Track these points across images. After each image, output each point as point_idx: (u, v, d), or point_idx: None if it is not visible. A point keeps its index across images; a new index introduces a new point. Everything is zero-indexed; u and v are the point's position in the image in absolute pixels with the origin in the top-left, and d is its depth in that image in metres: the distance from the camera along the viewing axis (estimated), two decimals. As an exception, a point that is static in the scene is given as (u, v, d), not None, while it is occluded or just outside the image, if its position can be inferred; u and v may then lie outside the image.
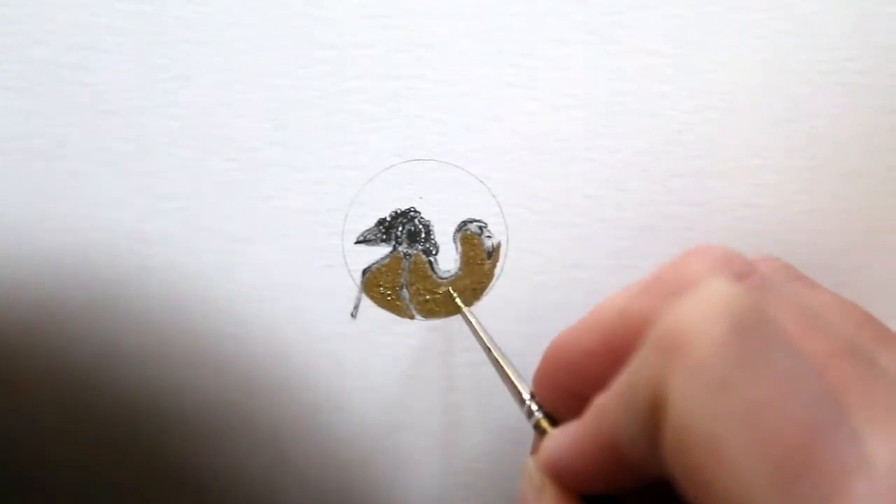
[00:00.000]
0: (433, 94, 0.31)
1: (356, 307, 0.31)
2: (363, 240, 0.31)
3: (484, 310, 0.31)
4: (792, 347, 0.18)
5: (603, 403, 0.21)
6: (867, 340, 0.22)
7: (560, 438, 0.23)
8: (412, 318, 0.31)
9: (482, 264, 0.31)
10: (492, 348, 0.29)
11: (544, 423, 0.25)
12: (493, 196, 0.31)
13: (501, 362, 0.28)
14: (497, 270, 0.31)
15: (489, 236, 0.31)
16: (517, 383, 0.27)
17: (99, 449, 0.31)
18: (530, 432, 0.31)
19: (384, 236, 0.31)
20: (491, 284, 0.31)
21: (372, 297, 0.31)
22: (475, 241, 0.31)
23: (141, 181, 0.30)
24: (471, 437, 0.32)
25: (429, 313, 0.31)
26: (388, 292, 0.31)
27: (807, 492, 0.17)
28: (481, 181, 0.31)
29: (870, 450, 0.18)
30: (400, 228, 0.31)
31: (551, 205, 0.31)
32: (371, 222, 0.31)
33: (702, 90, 0.31)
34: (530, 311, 0.31)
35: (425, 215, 0.31)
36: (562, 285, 0.31)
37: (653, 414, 0.19)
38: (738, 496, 0.17)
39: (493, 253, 0.31)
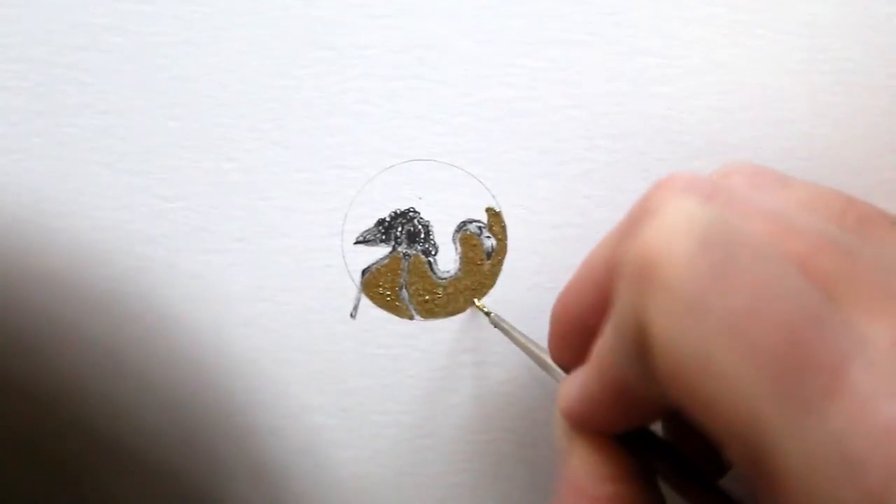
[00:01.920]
0: (433, 94, 0.31)
1: (356, 307, 0.31)
2: (363, 240, 0.31)
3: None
4: (764, 251, 0.18)
5: (600, 345, 0.21)
6: (850, 226, 0.22)
7: (570, 385, 0.23)
8: (411, 318, 0.31)
9: (481, 265, 0.31)
10: (511, 331, 0.30)
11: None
12: (493, 196, 0.31)
13: (520, 337, 0.29)
14: (496, 271, 0.31)
15: (488, 237, 0.31)
16: (537, 351, 0.28)
17: (97, 446, 0.32)
18: (532, 432, 0.31)
19: (383, 237, 0.31)
20: (490, 285, 0.31)
21: (371, 298, 0.31)
22: (475, 241, 0.31)
23: (141, 181, 0.30)
24: (470, 438, 0.32)
25: (428, 313, 0.31)
26: (388, 292, 0.31)
27: (805, 386, 0.16)
28: (481, 181, 0.31)
29: (865, 333, 0.18)
30: (399, 229, 0.31)
31: (551, 205, 0.31)
32: (370, 222, 0.31)
33: (702, 90, 0.31)
34: (530, 311, 0.31)
35: (425, 215, 0.31)
36: (561, 285, 0.31)
37: (641, 346, 0.18)
38: (737, 408, 0.17)
39: (492, 253, 0.31)
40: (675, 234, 0.18)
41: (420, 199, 0.31)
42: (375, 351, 0.31)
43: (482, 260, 0.31)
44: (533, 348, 0.28)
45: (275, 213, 0.31)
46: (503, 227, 0.31)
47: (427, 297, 0.31)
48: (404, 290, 0.31)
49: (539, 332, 0.31)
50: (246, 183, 0.31)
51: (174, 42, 0.30)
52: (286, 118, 0.30)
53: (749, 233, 0.18)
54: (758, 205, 0.21)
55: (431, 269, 0.31)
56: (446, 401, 0.31)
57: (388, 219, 0.31)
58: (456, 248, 0.31)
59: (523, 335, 0.29)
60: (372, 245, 0.31)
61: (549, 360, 0.27)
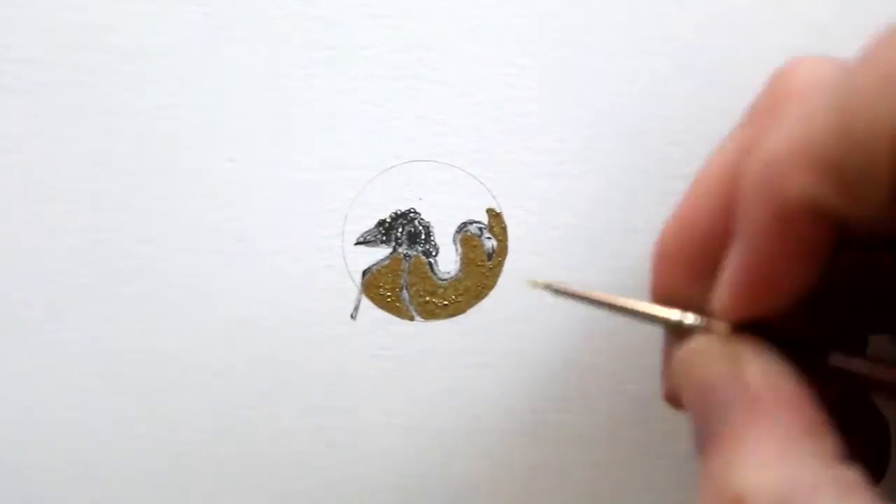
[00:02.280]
0: (433, 94, 0.31)
1: (356, 308, 0.31)
2: (363, 241, 0.31)
3: (484, 311, 0.31)
4: None
5: (770, 156, 0.18)
6: None
7: (723, 280, 0.20)
8: (412, 319, 0.31)
9: (482, 265, 0.31)
10: (597, 298, 0.25)
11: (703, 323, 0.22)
12: (493, 197, 0.31)
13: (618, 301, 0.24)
14: (497, 272, 0.31)
15: (489, 238, 0.31)
16: (644, 308, 0.23)
17: (99, 447, 0.32)
18: (532, 434, 0.31)
19: (384, 237, 0.31)
20: (491, 286, 0.31)
21: (372, 299, 0.31)
22: (475, 242, 0.31)
23: (141, 181, 0.31)
24: (471, 439, 0.32)
25: (429, 314, 0.31)
26: (388, 293, 0.31)
27: None
28: (481, 182, 0.31)
29: None
30: (400, 230, 0.31)
31: (551, 205, 0.31)
32: (371, 223, 0.31)
33: (702, 90, 0.31)
34: (530, 312, 0.31)
35: (425, 216, 0.31)
36: (562, 285, 0.31)
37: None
38: None
39: (493, 254, 0.31)
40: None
41: (420, 199, 0.31)
42: (375, 351, 0.31)
43: (483, 261, 0.31)
44: (616, 300, 0.24)
45: (275, 213, 0.31)
46: (503, 228, 0.31)
47: (427, 298, 0.31)
48: (405, 291, 0.31)
49: (540, 331, 0.31)
50: (246, 183, 0.31)
51: (174, 42, 0.30)
52: (286, 118, 0.30)
53: None
54: None
55: (432, 270, 0.31)
56: (446, 401, 0.31)
57: (388, 220, 0.31)
58: (456, 249, 0.31)
59: (594, 292, 0.25)
60: (372, 246, 0.31)
61: (641, 306, 0.23)
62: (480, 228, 0.31)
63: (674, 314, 0.22)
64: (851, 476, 0.18)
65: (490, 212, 0.31)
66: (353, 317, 0.31)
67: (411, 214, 0.31)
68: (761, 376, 0.20)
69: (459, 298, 0.31)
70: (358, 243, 0.31)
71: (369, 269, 0.31)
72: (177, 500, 0.32)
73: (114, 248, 0.31)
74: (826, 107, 0.17)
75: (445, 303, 0.31)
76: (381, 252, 0.31)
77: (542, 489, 0.32)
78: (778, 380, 0.20)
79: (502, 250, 0.31)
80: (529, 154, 0.31)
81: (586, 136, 0.31)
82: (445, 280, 0.31)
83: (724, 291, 0.20)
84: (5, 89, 0.30)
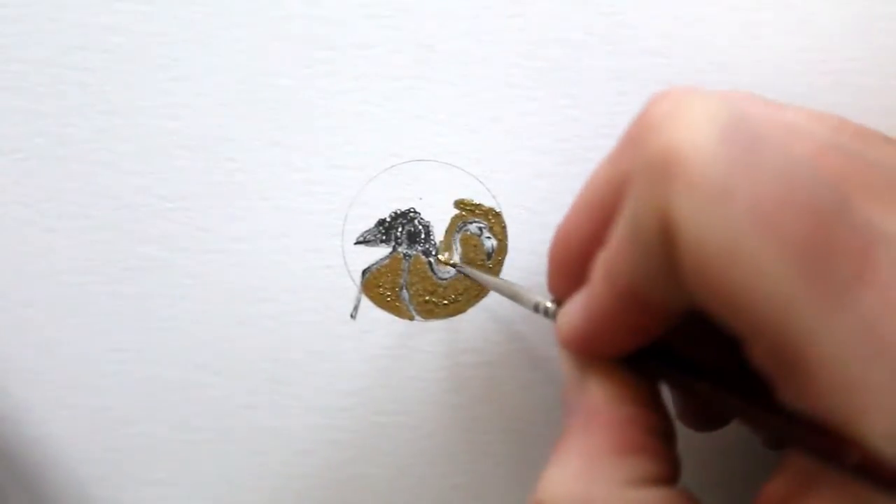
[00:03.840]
0: (433, 94, 0.31)
1: (356, 308, 0.31)
2: (363, 240, 0.31)
3: (484, 310, 0.31)
4: (781, 144, 0.18)
5: (608, 256, 0.21)
6: (848, 139, 0.22)
7: (572, 310, 0.23)
8: (412, 318, 0.31)
9: (482, 265, 0.31)
10: (489, 278, 0.30)
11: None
12: (493, 197, 0.31)
13: (503, 283, 0.29)
14: (497, 271, 0.31)
15: (489, 237, 0.31)
16: (525, 293, 0.27)
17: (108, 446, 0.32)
18: (532, 432, 0.31)
19: (384, 237, 0.31)
20: (491, 285, 0.31)
21: (371, 298, 0.31)
22: (475, 241, 0.31)
23: (141, 181, 0.31)
24: (470, 438, 0.32)
25: (428, 314, 0.31)
26: (388, 293, 0.31)
27: (834, 271, 0.17)
28: (481, 182, 0.31)
29: (884, 225, 0.18)
30: (400, 229, 0.31)
31: (551, 205, 0.31)
32: (371, 223, 0.31)
33: (702, 90, 0.31)
34: (530, 312, 0.31)
35: (425, 216, 0.31)
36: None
37: (664, 242, 0.18)
38: (767, 296, 0.17)
39: (492, 254, 0.31)
40: (697, 127, 0.18)
41: (420, 199, 0.31)
42: (375, 351, 0.31)
43: (483, 260, 0.31)
44: (509, 286, 0.28)
45: (275, 213, 0.31)
46: (503, 228, 0.31)
47: (427, 298, 0.31)
48: (404, 291, 0.31)
49: (541, 331, 0.31)
50: (246, 183, 0.31)
51: (174, 42, 0.30)
52: (286, 118, 0.30)
53: (766, 127, 0.18)
54: (764, 113, 0.22)
55: (432, 270, 0.32)
56: (446, 401, 0.31)
57: (388, 219, 0.31)
58: (456, 249, 0.31)
59: (494, 277, 0.29)
60: (372, 245, 0.31)
61: (528, 294, 0.27)
62: (480, 228, 0.31)
63: (535, 297, 0.26)
64: (652, 498, 0.20)
65: (490, 211, 0.31)
66: (352, 316, 0.31)
67: (411, 214, 0.31)
68: (600, 397, 0.22)
69: (459, 298, 0.31)
70: (358, 243, 0.31)
71: (369, 268, 0.31)
72: (176, 499, 0.32)
73: (114, 248, 0.31)
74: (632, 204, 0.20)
75: (445, 302, 0.31)
76: (381, 251, 0.31)
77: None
78: (614, 404, 0.22)
79: (502, 250, 0.31)
80: (529, 154, 0.31)
81: (586, 136, 0.31)
82: (445, 279, 0.31)
83: (565, 321, 0.23)
84: (5, 89, 0.30)
